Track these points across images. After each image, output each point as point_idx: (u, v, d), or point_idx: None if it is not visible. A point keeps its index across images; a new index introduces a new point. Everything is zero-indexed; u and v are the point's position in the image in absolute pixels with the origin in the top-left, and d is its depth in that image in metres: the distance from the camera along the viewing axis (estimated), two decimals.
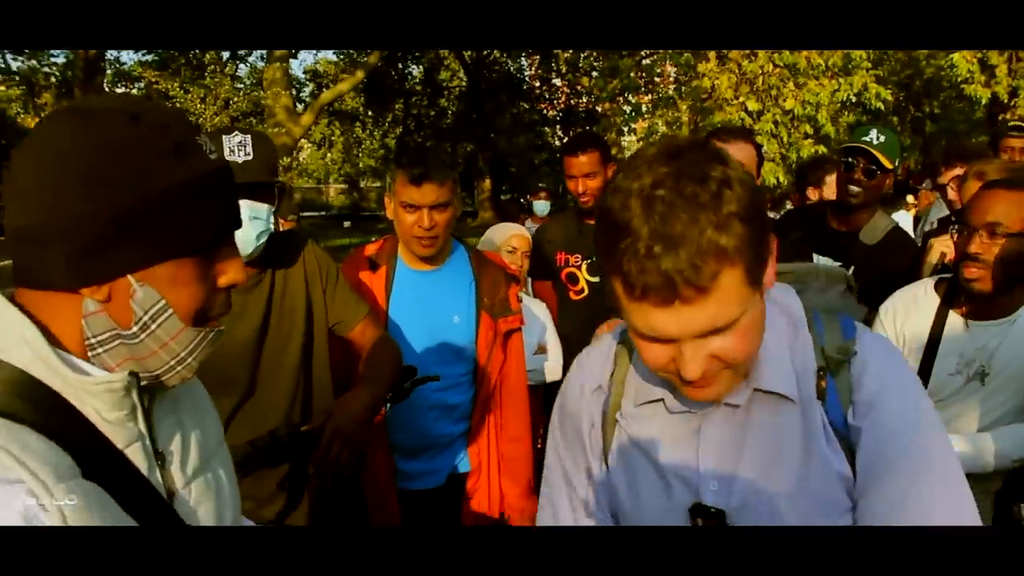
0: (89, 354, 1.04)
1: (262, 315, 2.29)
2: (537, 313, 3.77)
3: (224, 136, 2.12)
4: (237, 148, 2.11)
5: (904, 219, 9.45)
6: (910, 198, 11.60)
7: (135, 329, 1.04)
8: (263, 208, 2.16)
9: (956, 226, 2.35)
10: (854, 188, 3.22)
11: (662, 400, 1.29)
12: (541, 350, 3.73)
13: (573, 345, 3.57)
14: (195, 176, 1.03)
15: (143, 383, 1.09)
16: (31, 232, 0.97)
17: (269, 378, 2.32)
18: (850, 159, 3.23)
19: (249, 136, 2.15)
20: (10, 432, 0.94)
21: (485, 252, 3.08)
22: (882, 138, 3.21)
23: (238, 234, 2.05)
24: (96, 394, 1.03)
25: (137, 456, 1.08)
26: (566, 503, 1.44)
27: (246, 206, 2.09)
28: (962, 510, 1.15)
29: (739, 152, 2.74)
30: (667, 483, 1.28)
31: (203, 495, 1.21)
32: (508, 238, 3.70)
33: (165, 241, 1.02)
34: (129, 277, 1.01)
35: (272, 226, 2.20)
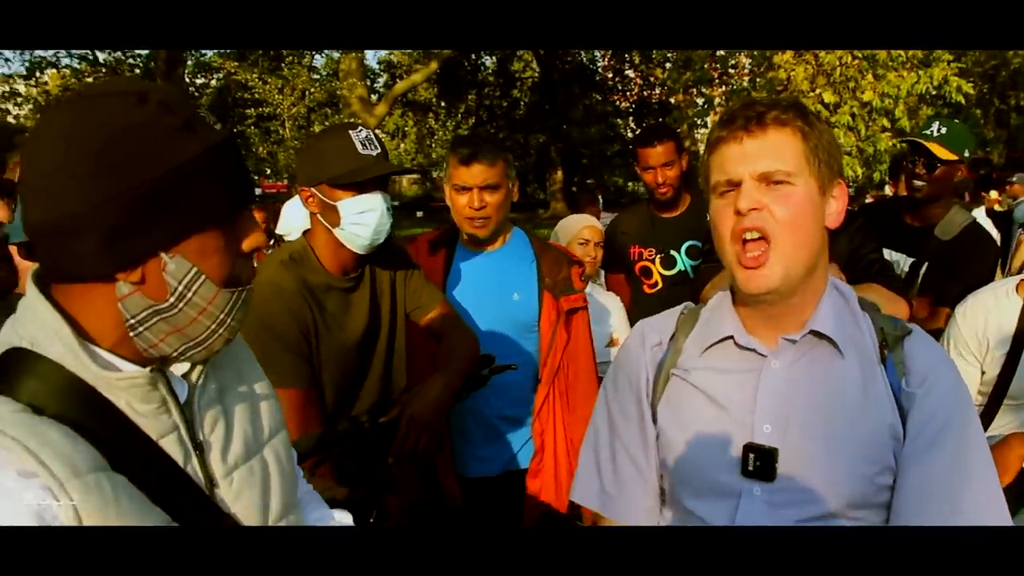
0: (131, 335, 1.05)
1: (367, 314, 2.35)
2: (610, 305, 3.79)
3: (351, 131, 2.15)
4: (367, 142, 2.15)
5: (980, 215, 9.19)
6: (993, 193, 11.27)
7: (172, 299, 1.05)
8: (388, 199, 2.23)
9: None
10: (917, 182, 3.25)
11: (731, 337, 1.44)
12: (613, 343, 3.75)
13: None
14: (207, 148, 1.04)
15: (189, 355, 1.12)
16: (56, 226, 0.98)
17: (369, 370, 2.38)
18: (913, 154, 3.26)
19: (370, 131, 2.19)
20: (32, 426, 0.96)
21: (552, 243, 3.08)
22: (943, 130, 3.23)
23: (373, 224, 2.17)
24: (123, 388, 1.05)
25: (172, 447, 1.11)
26: (607, 452, 1.57)
27: (383, 198, 2.18)
28: (995, 496, 1.32)
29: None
30: (721, 424, 1.41)
31: (245, 484, 1.22)
32: (580, 230, 3.70)
33: (190, 214, 1.03)
34: (161, 254, 1.03)
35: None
